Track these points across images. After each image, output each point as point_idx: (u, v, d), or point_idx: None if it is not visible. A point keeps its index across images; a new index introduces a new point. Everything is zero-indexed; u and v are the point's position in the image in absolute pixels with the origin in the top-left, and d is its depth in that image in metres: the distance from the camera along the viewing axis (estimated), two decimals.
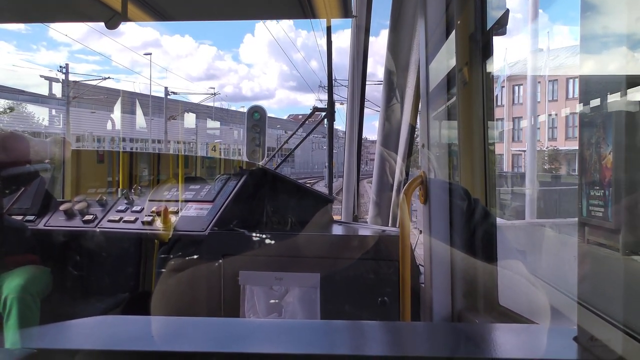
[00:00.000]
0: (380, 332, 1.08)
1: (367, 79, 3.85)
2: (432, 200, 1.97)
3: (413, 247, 2.32)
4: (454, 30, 1.87)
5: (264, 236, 2.39)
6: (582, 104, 1.16)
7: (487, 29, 1.80)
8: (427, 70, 2.05)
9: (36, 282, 2.63)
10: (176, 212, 2.65)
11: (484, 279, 1.82)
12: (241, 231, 2.41)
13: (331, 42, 4.62)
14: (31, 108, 29.07)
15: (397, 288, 2.01)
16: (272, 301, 2.27)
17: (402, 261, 1.95)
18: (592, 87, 1.17)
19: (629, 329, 0.81)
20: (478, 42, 1.82)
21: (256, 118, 5.00)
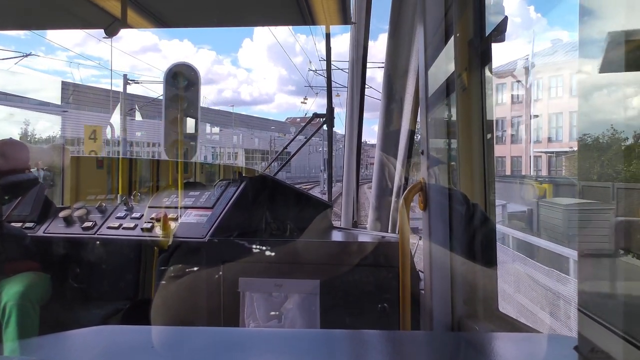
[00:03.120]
0: (381, 341, 1.08)
1: (367, 74, 3.84)
2: (432, 206, 1.97)
3: (413, 253, 2.31)
4: (452, 36, 1.87)
5: (263, 243, 2.38)
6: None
7: (486, 34, 1.80)
8: (426, 76, 2.05)
9: (35, 289, 2.62)
10: (175, 219, 2.65)
11: (483, 285, 1.82)
12: (240, 238, 2.41)
13: (330, 48, 4.62)
14: None
15: (397, 294, 2.00)
16: (271, 308, 2.26)
17: (402, 267, 1.95)
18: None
19: (631, 337, 0.81)
20: (477, 48, 1.82)
21: (182, 85, 3.10)
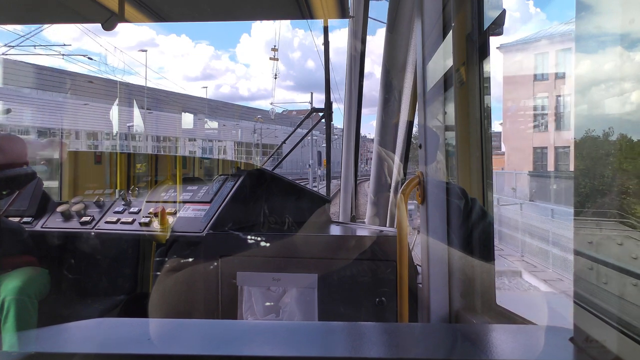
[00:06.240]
0: (378, 333, 1.08)
1: (365, 70, 3.84)
2: (430, 200, 1.97)
3: (411, 248, 2.32)
4: (450, 31, 1.87)
5: (261, 237, 2.39)
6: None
7: (484, 29, 1.80)
8: (423, 70, 2.05)
9: (34, 283, 2.63)
10: (174, 213, 2.65)
11: (481, 278, 1.83)
12: (238, 232, 2.41)
13: (328, 42, 4.62)
14: None
15: (394, 288, 2.01)
16: (269, 302, 2.27)
17: (400, 261, 1.95)
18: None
19: (625, 328, 0.81)
20: (475, 42, 1.82)
21: None
